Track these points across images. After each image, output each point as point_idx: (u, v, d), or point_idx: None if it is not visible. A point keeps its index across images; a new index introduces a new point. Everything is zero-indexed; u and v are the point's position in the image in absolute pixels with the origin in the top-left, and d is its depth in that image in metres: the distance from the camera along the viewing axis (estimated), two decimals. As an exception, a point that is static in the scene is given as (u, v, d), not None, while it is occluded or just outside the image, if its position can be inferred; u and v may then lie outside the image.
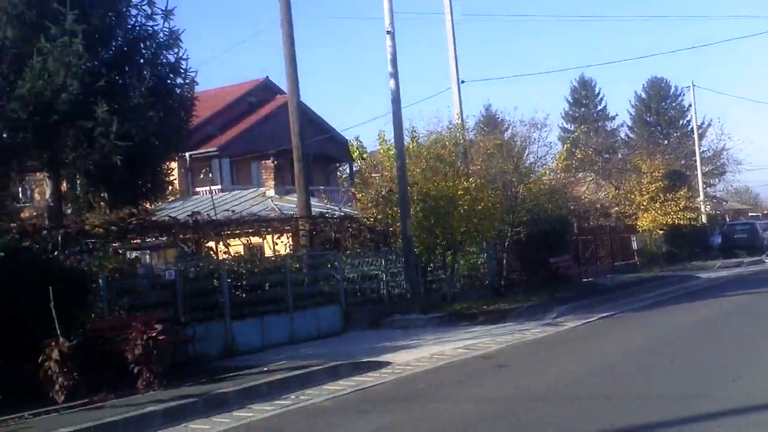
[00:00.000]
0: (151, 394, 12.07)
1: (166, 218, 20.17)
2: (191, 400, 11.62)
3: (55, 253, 14.99)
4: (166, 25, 17.17)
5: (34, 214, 26.26)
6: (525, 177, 26.10)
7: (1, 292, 12.08)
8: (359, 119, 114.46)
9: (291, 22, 22.58)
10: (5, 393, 11.15)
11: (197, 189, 34.70)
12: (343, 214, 24.30)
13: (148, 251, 21.16)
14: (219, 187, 32.69)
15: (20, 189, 22.49)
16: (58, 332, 11.58)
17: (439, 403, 11.23)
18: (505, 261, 25.83)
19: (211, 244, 20.65)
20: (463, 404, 10.90)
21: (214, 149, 35.85)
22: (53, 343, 11.46)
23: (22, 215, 24.38)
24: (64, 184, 17.03)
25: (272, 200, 28.30)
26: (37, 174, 23.14)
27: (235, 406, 11.62)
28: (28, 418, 10.89)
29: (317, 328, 19.23)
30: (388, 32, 22.27)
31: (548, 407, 10.33)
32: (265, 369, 13.93)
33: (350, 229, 23.03)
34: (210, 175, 30.95)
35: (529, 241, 26.64)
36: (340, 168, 45.72)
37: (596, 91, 77.99)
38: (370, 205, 23.41)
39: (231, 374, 13.60)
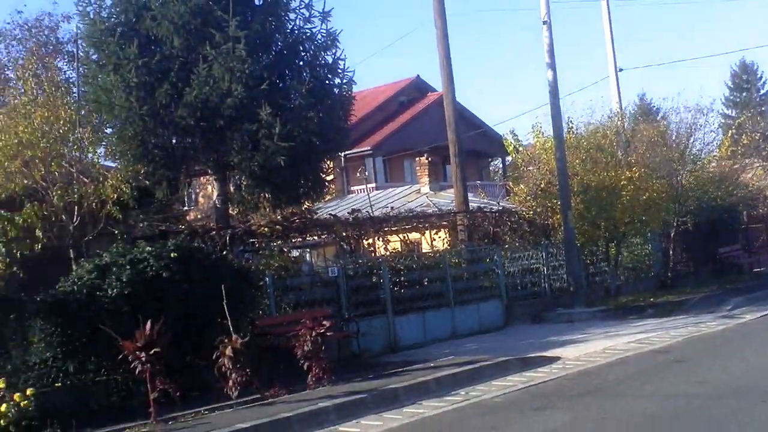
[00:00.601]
0: (321, 390, 12.16)
1: (328, 216, 20.45)
2: (361, 396, 11.63)
3: (224, 252, 15.42)
4: (324, 26, 17.35)
5: (199, 216, 27.36)
6: (690, 165, 24.95)
7: (175, 291, 12.47)
8: (508, 113, 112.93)
9: (444, 16, 22.45)
10: (182, 388, 11.49)
11: (352, 188, 35.15)
12: (501, 208, 23.90)
13: (307, 249, 21.51)
14: (373, 185, 32.95)
15: (185, 193, 23.34)
16: (231, 329, 11.83)
17: (618, 399, 10.74)
18: (671, 252, 24.78)
19: (369, 241, 20.81)
20: (644, 401, 10.37)
21: (368, 148, 36.21)
22: (226, 340, 11.73)
23: (187, 218, 25.44)
24: (230, 186, 17.47)
25: (427, 196, 28.23)
26: (201, 178, 24.05)
27: (406, 403, 11.54)
28: (205, 414, 11.19)
29: (478, 323, 19.01)
30: (545, 22, 21.77)
31: (736, 404, 9.67)
32: (432, 365, 13.80)
33: (509, 223, 22.63)
34: (366, 174, 31.22)
35: (695, 231, 25.53)
36: (492, 163, 45.24)
37: (758, 75, 73.75)
38: (528, 198, 22.92)
39: (398, 370, 13.55)
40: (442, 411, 10.98)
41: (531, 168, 23.92)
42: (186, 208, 28.76)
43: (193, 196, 31.35)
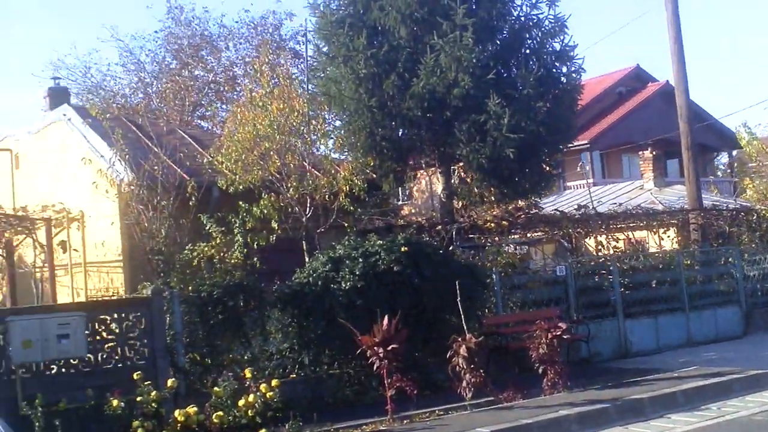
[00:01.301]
0: (558, 397, 11.50)
1: (553, 212, 19.68)
2: (603, 405, 10.86)
3: (450, 248, 15.07)
4: (551, 12, 16.65)
5: (412, 210, 27.28)
6: None
7: (405, 286, 12.24)
8: (735, 105, 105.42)
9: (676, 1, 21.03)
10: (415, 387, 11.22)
11: (567, 184, 33.96)
12: (738, 206, 22.14)
13: (526, 246, 20.83)
14: (591, 180, 31.67)
15: (408, 186, 23.26)
16: (465, 327, 11.41)
17: None
18: None
19: (592, 238, 19.83)
20: None
21: (585, 142, 34.80)
22: (460, 339, 11.32)
23: (402, 212, 25.41)
24: (454, 179, 17.13)
25: (651, 192, 26.71)
26: (418, 172, 23.90)
27: (652, 415, 10.67)
28: (441, 414, 10.83)
29: (715, 331, 17.60)
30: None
31: None
32: (675, 375, 12.77)
33: (746, 222, 20.89)
34: (586, 169, 30.02)
35: None
36: (717, 157, 42.45)
37: None
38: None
39: (636, 379, 12.65)
40: (697, 427, 10.03)
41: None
42: (400, 202, 28.81)
43: (406, 191, 31.38)
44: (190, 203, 12.98)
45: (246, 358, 11.38)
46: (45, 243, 14.02)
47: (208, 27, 34.69)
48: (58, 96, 19.98)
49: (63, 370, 10.39)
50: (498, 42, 16.76)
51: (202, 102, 32.58)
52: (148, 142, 15.45)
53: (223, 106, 33.49)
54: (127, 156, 13.39)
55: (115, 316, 10.77)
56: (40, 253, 14.29)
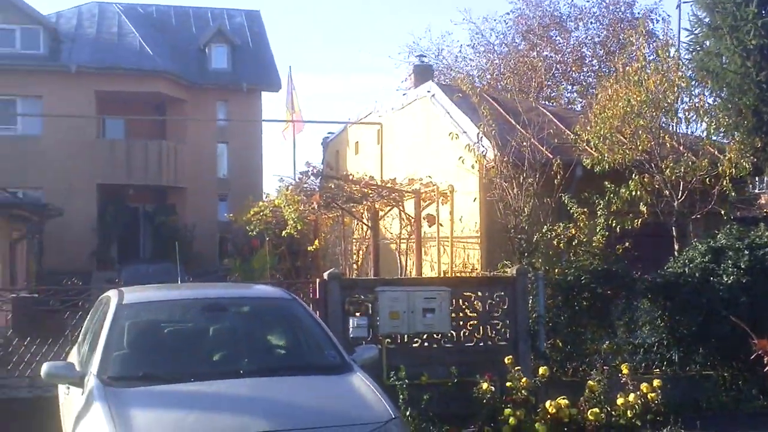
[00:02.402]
0: None
1: None
2: None
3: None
4: None
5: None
6: None
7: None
8: None
9: None
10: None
11: None
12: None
13: None
14: None
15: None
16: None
17: None
18: None
19: None
20: None
21: None
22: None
23: (760, 201, 22.82)
24: None
25: None
26: None
27: None
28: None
29: None
30: None
31: None
32: None
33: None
34: None
35: None
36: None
37: None
38: None
39: None
40: None
41: None
42: (757, 190, 26.02)
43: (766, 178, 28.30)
44: (555, 182, 12.42)
45: (607, 348, 10.60)
46: (413, 215, 14.21)
47: (559, 7, 34.19)
48: (422, 74, 20.47)
49: (426, 344, 10.35)
50: None
51: (548, 83, 31.98)
52: (510, 120, 15.13)
53: (568, 87, 32.87)
54: (493, 132, 13.14)
55: (479, 294, 10.54)
56: (405, 225, 14.58)
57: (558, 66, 32.92)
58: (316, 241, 17.40)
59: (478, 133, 13.48)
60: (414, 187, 13.58)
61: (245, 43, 34.52)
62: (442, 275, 14.56)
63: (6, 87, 28.78)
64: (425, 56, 25.36)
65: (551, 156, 13.26)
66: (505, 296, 10.61)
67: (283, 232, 16.78)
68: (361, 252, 17.91)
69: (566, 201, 12.32)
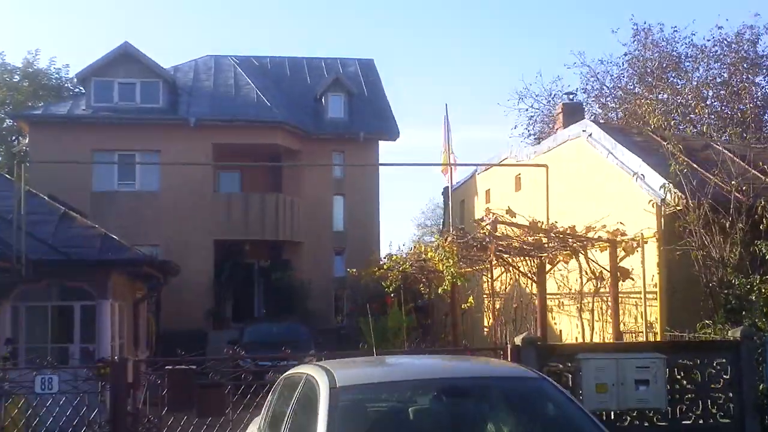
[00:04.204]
0: None
1: None
2: None
3: None
4: None
5: None
6: None
7: None
8: None
9: None
10: None
11: None
12: None
13: None
14: None
15: None
16: None
17: None
18: None
19: None
20: None
21: None
22: None
23: None
24: None
25: None
26: None
27: None
28: None
29: None
30: None
31: None
32: None
33: None
34: None
35: None
36: None
37: None
38: None
39: None
40: None
41: None
42: None
43: None
44: (761, 228, 10.65)
45: None
46: (606, 266, 12.38)
47: (677, 47, 32.63)
48: (572, 113, 18.91)
49: (636, 422, 8.67)
50: None
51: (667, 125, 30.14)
52: (686, 159, 13.42)
53: (693, 129, 30.95)
54: (685, 171, 11.45)
55: (697, 361, 8.83)
56: (589, 278, 12.86)
57: (679, 109, 31.14)
58: (470, 299, 15.83)
59: (673, 173, 11.69)
60: (598, 234, 11.86)
61: (360, 92, 33.68)
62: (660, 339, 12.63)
63: (126, 141, 28.47)
64: (574, 93, 23.89)
65: (742, 198, 11.47)
66: (726, 364, 8.88)
67: (440, 289, 15.27)
68: (507, 310, 16.29)
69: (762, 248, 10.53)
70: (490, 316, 19.23)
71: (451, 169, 19.77)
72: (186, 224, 27.76)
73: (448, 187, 28.64)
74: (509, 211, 11.94)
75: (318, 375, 5.79)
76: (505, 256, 13.61)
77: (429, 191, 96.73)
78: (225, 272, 28.93)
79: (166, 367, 9.54)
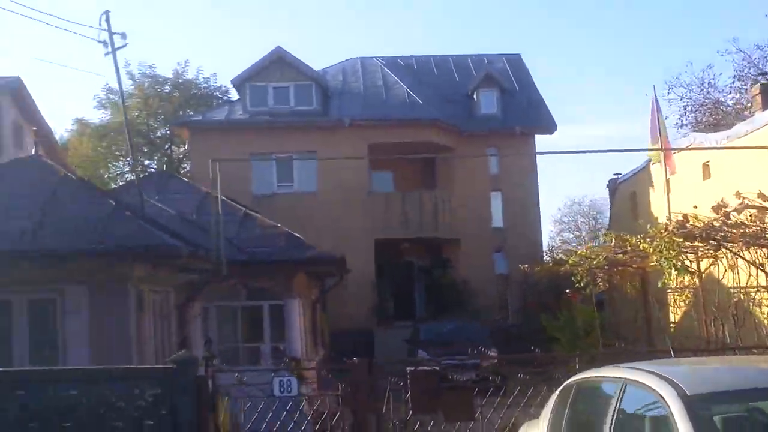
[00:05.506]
0: None
1: None
2: None
3: None
4: None
5: None
6: None
7: None
8: None
9: None
10: None
11: None
12: None
13: None
14: None
15: None
16: None
17: None
18: None
19: None
20: None
21: None
22: None
23: None
24: None
25: None
26: None
27: None
28: None
29: None
30: None
31: None
32: None
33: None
34: None
35: None
36: None
37: None
38: None
39: None
40: None
41: None
42: None
43: None
44: None
45: None
46: None
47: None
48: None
49: None
50: None
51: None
52: None
53: None
54: None
55: None
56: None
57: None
58: (686, 293, 14.75)
59: None
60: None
61: (512, 87, 32.90)
62: None
63: (282, 144, 28.66)
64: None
65: None
66: None
67: (659, 283, 14.27)
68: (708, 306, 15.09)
69: None
70: (678, 312, 18.07)
71: (663, 158, 18.40)
72: (344, 224, 27.62)
73: (616, 179, 27.50)
74: (761, 195, 10.92)
75: (657, 384, 5.03)
76: (729, 245, 12.56)
77: (565, 189, 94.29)
78: (386, 271, 28.70)
79: (408, 369, 9.06)
